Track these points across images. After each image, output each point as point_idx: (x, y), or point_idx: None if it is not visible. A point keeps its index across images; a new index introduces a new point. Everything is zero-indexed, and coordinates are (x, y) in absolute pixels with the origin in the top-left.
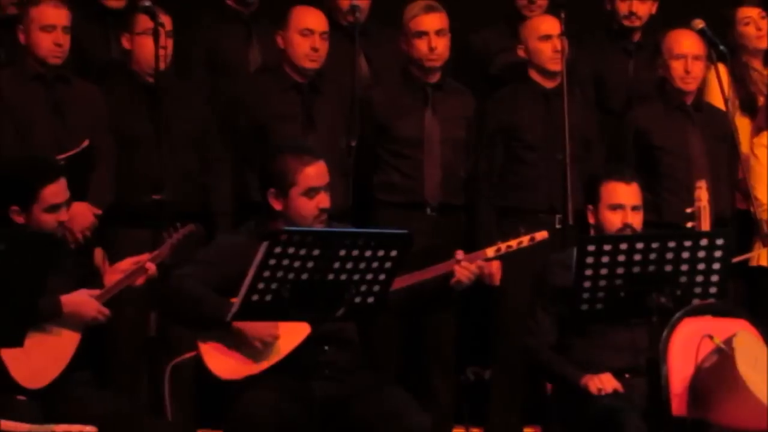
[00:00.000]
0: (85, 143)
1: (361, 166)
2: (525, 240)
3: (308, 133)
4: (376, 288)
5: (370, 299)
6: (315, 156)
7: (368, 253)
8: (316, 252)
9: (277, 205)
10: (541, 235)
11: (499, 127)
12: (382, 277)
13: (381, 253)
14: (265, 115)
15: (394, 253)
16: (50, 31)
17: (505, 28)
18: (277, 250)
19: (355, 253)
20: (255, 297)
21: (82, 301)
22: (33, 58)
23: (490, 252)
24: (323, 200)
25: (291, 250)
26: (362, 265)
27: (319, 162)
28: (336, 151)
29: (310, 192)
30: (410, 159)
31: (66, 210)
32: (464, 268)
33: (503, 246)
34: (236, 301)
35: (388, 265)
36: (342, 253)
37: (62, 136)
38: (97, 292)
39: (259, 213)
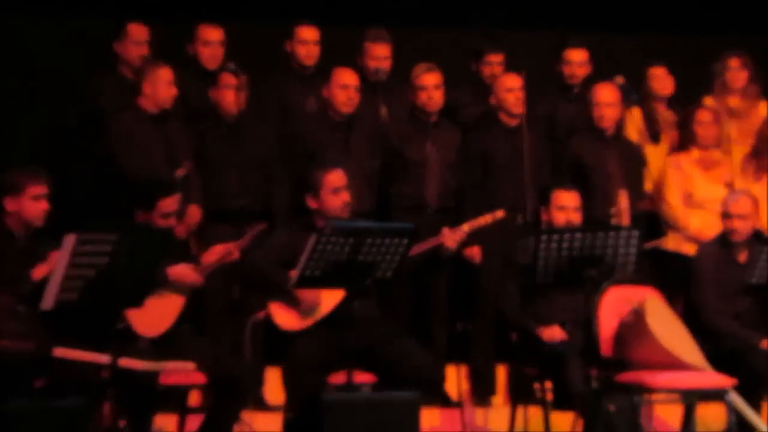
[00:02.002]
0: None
1: (382, 180)
2: (489, 218)
3: (345, 158)
4: (393, 265)
5: (389, 273)
6: (335, 165)
7: (387, 241)
8: (351, 240)
9: (313, 204)
10: (500, 213)
11: (479, 153)
12: (396, 258)
13: (395, 241)
14: (315, 144)
15: (404, 241)
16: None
17: (468, 88)
18: (323, 240)
19: (378, 241)
20: (308, 271)
21: (185, 272)
22: (153, 102)
23: (466, 227)
24: (346, 196)
25: (333, 239)
26: (383, 250)
27: (338, 169)
28: (365, 170)
29: (335, 190)
30: (417, 175)
31: (176, 218)
32: (449, 237)
33: (475, 223)
34: (295, 274)
35: (400, 249)
36: (369, 241)
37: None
38: (195, 267)
39: (303, 212)
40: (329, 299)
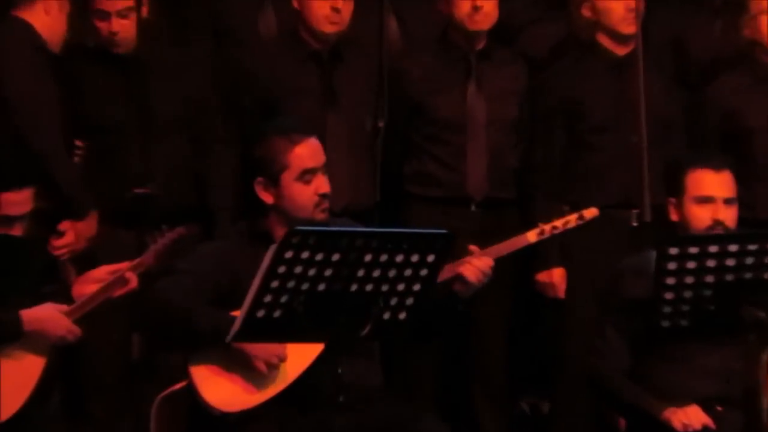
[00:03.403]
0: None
1: (391, 153)
2: (572, 219)
3: (328, 111)
4: (409, 301)
5: (402, 315)
6: (304, 132)
7: (399, 258)
8: (335, 257)
9: (268, 198)
10: (590, 212)
11: (560, 104)
12: (416, 287)
13: (415, 258)
14: (276, 89)
15: (430, 258)
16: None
17: None
18: (288, 254)
19: (384, 258)
20: (261, 312)
21: (48, 316)
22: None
23: (532, 236)
24: (322, 184)
25: (305, 255)
26: (392, 273)
27: (311, 139)
28: (360, 134)
29: (305, 175)
30: (450, 145)
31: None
32: (472, 263)
33: (547, 227)
34: (239, 317)
35: (423, 272)
36: (368, 258)
37: None
38: (66, 307)
39: (252, 211)
40: (298, 358)
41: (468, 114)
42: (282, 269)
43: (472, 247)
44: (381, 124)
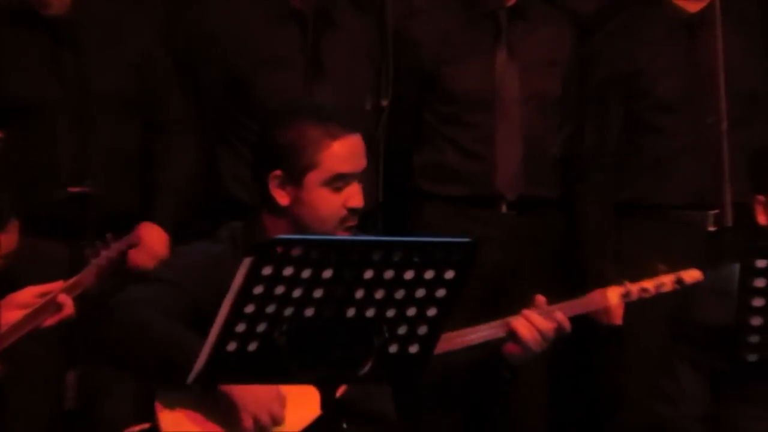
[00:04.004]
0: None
1: (397, 140)
2: (667, 282)
3: (313, 86)
4: (423, 330)
5: (413, 348)
6: (348, 127)
7: (409, 275)
8: (327, 274)
9: (283, 198)
10: (692, 276)
11: (615, 76)
12: (431, 312)
13: (429, 274)
14: (245, 59)
15: (449, 274)
16: None
17: None
18: (267, 271)
19: (389, 274)
20: (232, 345)
21: None
22: None
23: (614, 296)
24: (355, 195)
25: (288, 271)
26: (400, 294)
27: (354, 136)
28: (357, 116)
29: (337, 181)
30: (474, 128)
31: None
32: (532, 320)
33: (634, 289)
34: (203, 351)
35: (440, 293)
36: (368, 275)
37: None
38: None
39: (247, 211)
40: (298, 411)
41: (497, 88)
42: (259, 289)
43: (539, 299)
44: (384, 103)
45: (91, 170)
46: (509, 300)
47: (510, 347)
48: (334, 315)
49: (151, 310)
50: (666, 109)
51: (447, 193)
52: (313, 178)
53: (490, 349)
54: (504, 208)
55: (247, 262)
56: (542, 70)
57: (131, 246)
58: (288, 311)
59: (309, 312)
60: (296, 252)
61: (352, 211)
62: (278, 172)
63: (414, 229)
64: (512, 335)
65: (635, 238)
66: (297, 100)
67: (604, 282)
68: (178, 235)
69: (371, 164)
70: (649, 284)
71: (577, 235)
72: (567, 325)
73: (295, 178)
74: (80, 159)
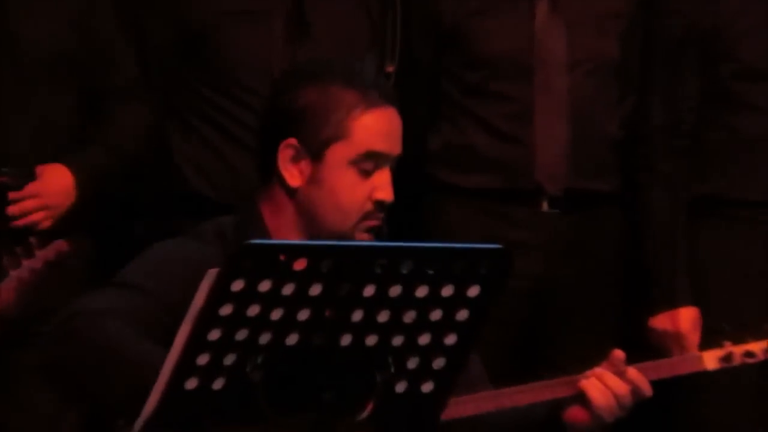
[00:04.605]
0: None
1: (406, 116)
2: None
3: (296, 47)
4: (439, 363)
5: (427, 386)
6: (390, 98)
7: (422, 292)
8: (316, 290)
9: (294, 177)
10: None
11: (690, 36)
12: (450, 340)
13: (448, 290)
14: (209, 10)
15: (473, 291)
16: None
17: None
18: (238, 286)
19: (396, 291)
20: (192, 383)
21: None
22: None
23: (711, 361)
24: (386, 186)
25: (266, 287)
26: (410, 317)
27: (391, 109)
28: None
29: (368, 160)
30: (508, 101)
31: None
32: (606, 381)
33: (737, 352)
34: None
35: (462, 315)
36: (369, 292)
37: None
38: None
39: (212, 209)
40: None
41: (537, 50)
42: (227, 310)
43: (617, 354)
44: (389, 69)
45: (13, 152)
46: (551, 325)
47: (574, 412)
48: (324, 343)
49: (123, 326)
50: (754, 77)
51: (471, 186)
52: (338, 153)
53: (548, 412)
54: (545, 206)
55: (211, 274)
56: (596, 26)
57: (63, 255)
58: (265, 338)
59: (292, 339)
60: (276, 261)
61: (379, 205)
62: (293, 141)
63: (428, 231)
64: (580, 398)
65: (715, 244)
66: (323, 59)
67: (675, 303)
68: (117, 238)
69: None
70: (756, 347)
71: (641, 241)
72: (648, 391)
73: (314, 150)
74: (1, 138)
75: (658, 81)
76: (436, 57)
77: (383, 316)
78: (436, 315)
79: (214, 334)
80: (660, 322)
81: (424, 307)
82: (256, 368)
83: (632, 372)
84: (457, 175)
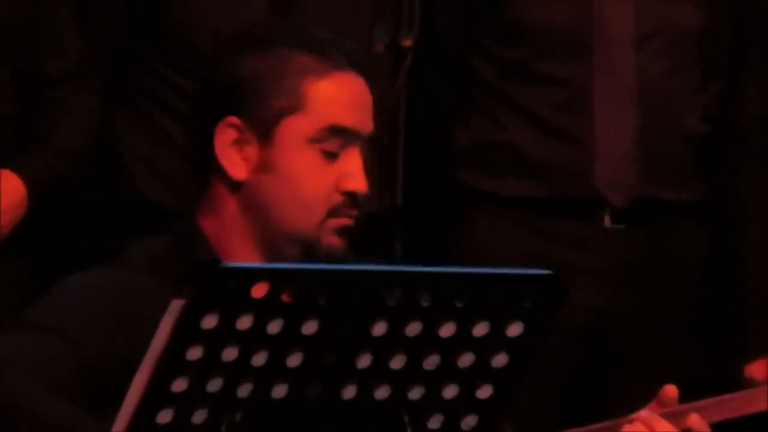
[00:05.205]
0: None
1: (429, 104)
2: None
3: (280, 12)
4: (470, 423)
5: None
6: (355, 64)
7: (448, 331)
8: (311, 328)
9: (238, 167)
10: None
11: None
12: (483, 393)
13: (482, 330)
14: None
15: (515, 329)
16: None
17: None
18: (210, 322)
19: (415, 329)
20: None
21: None
22: None
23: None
24: (356, 173)
25: (246, 323)
26: (432, 363)
27: (353, 74)
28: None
29: (332, 137)
30: (558, 86)
31: None
32: (651, 424)
33: None
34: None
35: (499, 361)
36: (380, 330)
37: None
38: None
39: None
40: None
41: (596, 22)
42: (196, 353)
43: (669, 391)
44: (407, 43)
45: None
46: (612, 374)
47: None
48: (322, 396)
49: (28, 381)
50: None
51: (510, 194)
52: (293, 129)
53: None
54: (607, 220)
55: (176, 307)
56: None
57: None
58: (245, 389)
59: (280, 391)
60: (260, 289)
61: (350, 198)
62: (234, 120)
63: (454, 252)
64: None
65: None
66: (269, 22)
67: None
68: (53, 258)
69: (383, 147)
70: None
71: (732, 267)
72: None
73: (262, 128)
74: None
75: (753, 61)
76: (465, 29)
77: (397, 362)
78: (465, 360)
79: (180, 385)
80: (759, 370)
81: (450, 350)
82: (234, 428)
83: (688, 412)
84: (491, 181)
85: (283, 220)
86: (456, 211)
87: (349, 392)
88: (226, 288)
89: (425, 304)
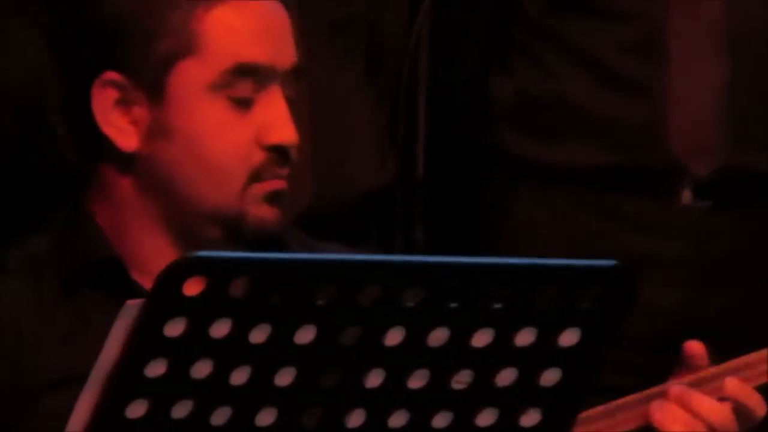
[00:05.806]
0: None
1: (455, 50)
2: None
3: None
4: None
5: None
6: None
7: (482, 341)
8: (307, 336)
9: (127, 136)
10: None
11: None
12: (528, 420)
13: (527, 338)
14: None
15: (570, 337)
16: None
17: None
18: (176, 329)
19: (440, 338)
20: None
21: None
22: None
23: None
24: (279, 119)
25: (222, 331)
26: (462, 382)
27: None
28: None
29: (239, 79)
30: (625, 23)
31: None
32: (691, 402)
33: None
34: None
35: (548, 379)
36: (395, 339)
37: None
38: None
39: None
40: None
41: None
42: (158, 369)
43: (694, 347)
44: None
45: None
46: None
47: None
48: (320, 423)
49: None
50: None
51: (561, 162)
52: (188, 77)
53: None
54: (687, 196)
55: (130, 309)
56: None
57: None
58: (221, 414)
59: (266, 417)
60: (239, 286)
61: (277, 153)
62: (112, 75)
63: (489, 236)
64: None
65: None
66: None
67: None
68: None
69: (398, 102)
70: None
71: None
72: (756, 406)
73: (149, 81)
74: None
75: None
76: None
77: (417, 380)
78: (505, 378)
79: (137, 409)
80: None
81: (485, 364)
82: None
83: (731, 385)
84: (537, 145)
85: (193, 195)
86: (493, 183)
87: (356, 419)
88: (190, 275)
89: (453, 305)
